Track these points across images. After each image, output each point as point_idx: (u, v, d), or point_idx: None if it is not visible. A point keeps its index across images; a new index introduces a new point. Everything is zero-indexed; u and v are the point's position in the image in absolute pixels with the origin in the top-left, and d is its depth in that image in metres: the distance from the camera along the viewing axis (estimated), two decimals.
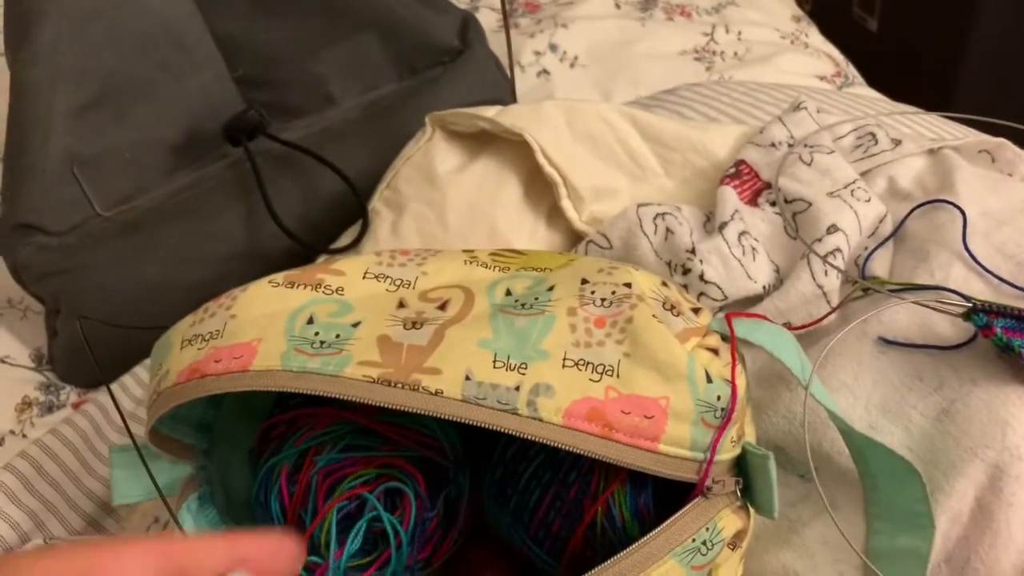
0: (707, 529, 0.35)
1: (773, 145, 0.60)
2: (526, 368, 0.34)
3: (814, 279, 0.51)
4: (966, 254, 0.49)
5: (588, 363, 0.35)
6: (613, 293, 0.37)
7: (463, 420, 0.33)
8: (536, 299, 0.37)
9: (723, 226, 0.53)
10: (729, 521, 0.36)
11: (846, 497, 0.46)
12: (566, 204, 0.58)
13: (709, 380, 0.36)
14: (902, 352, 0.47)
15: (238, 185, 0.66)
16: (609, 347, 0.35)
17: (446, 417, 0.33)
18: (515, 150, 0.59)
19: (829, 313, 0.50)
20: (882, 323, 0.48)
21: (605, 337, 0.36)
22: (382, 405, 0.34)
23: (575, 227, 0.58)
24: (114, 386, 0.62)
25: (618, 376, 0.35)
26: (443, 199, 0.57)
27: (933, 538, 0.42)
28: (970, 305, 0.44)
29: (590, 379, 0.34)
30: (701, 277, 0.51)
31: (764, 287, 0.52)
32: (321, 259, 0.62)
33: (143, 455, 0.39)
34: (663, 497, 0.38)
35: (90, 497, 0.57)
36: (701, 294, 0.51)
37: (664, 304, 0.38)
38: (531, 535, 0.39)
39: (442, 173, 0.58)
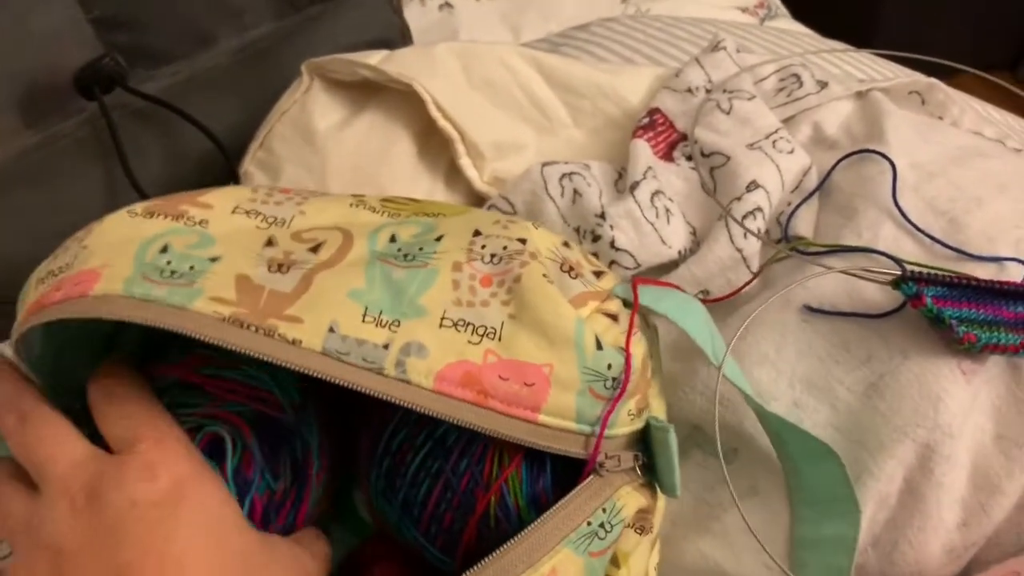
0: (603, 510, 0.32)
1: (690, 90, 0.55)
2: (399, 325, 0.31)
3: (732, 242, 0.46)
4: (896, 211, 0.46)
5: (468, 324, 0.32)
6: (504, 248, 0.34)
7: (321, 375, 0.30)
8: (421, 249, 0.34)
9: (635, 186, 0.48)
10: (630, 500, 0.33)
11: (770, 479, 0.44)
12: (465, 163, 0.52)
13: (599, 347, 0.32)
14: (828, 320, 0.44)
15: (94, 145, 0.58)
16: (494, 307, 0.33)
17: (303, 371, 0.30)
18: (405, 102, 0.53)
19: (749, 281, 0.46)
20: (807, 289, 0.45)
21: (490, 297, 0.33)
22: (229, 347, 0.30)
23: (476, 188, 0.53)
24: None
25: (500, 339, 0.32)
26: (323, 162, 0.51)
27: (859, 523, 0.40)
28: (898, 272, 0.40)
29: (469, 341, 0.31)
30: (612, 244, 0.47)
31: (680, 252, 0.48)
32: None
33: None
34: (564, 483, 0.34)
35: None
36: (612, 262, 0.47)
37: (562, 266, 0.35)
38: (422, 531, 0.36)
39: (322, 130, 0.52)
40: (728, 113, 0.52)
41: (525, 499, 0.34)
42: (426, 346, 0.31)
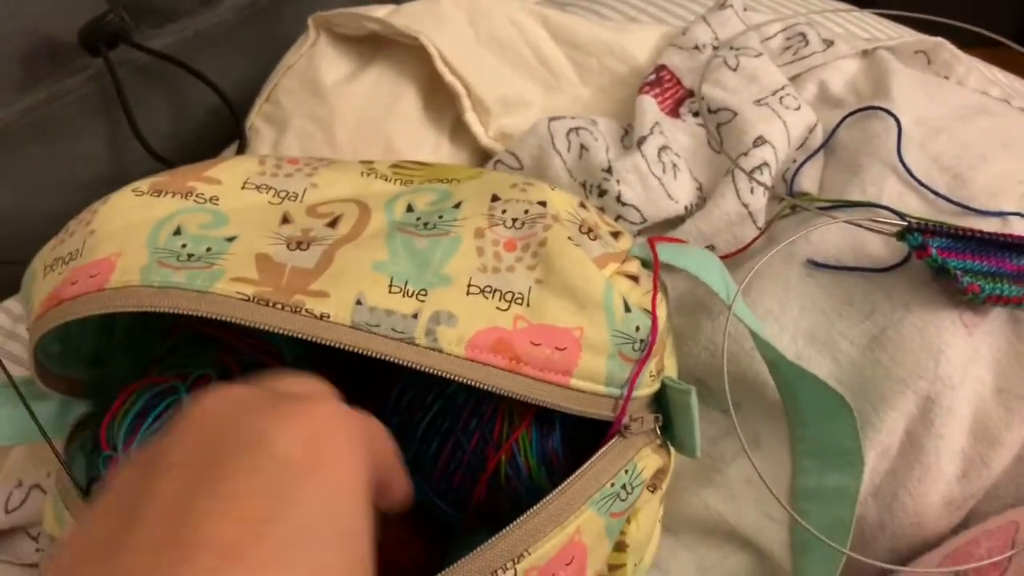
0: (626, 471, 0.32)
1: (696, 48, 0.55)
2: (426, 295, 0.31)
3: (739, 197, 0.47)
4: (900, 167, 0.46)
5: (495, 290, 0.31)
6: (526, 212, 0.34)
7: (353, 348, 0.29)
8: (440, 217, 0.34)
9: (642, 141, 0.48)
10: (649, 461, 0.33)
11: (771, 432, 0.44)
12: (471, 118, 0.52)
13: (627, 309, 0.32)
14: (832, 275, 0.44)
15: (99, 101, 0.58)
16: (519, 273, 0.32)
17: (334, 344, 0.29)
18: (412, 56, 0.53)
19: (756, 238, 0.46)
20: (811, 244, 0.45)
21: (515, 262, 0.32)
22: (257, 327, 0.29)
23: (482, 143, 0.53)
24: None
25: (528, 305, 0.31)
26: (330, 113, 0.51)
27: (862, 476, 0.40)
28: (904, 224, 0.41)
29: (497, 308, 0.31)
30: (618, 199, 0.47)
31: (686, 207, 0.48)
32: None
33: (21, 392, 0.34)
34: (573, 440, 0.34)
35: None
36: (618, 217, 0.47)
37: (581, 227, 0.34)
38: (433, 488, 0.36)
39: (329, 83, 0.52)
40: (735, 70, 0.52)
41: (535, 458, 0.34)
42: (455, 314, 0.30)
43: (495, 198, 0.35)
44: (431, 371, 0.30)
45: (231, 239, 0.32)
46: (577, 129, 0.49)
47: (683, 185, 0.48)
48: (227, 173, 0.36)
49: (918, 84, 0.52)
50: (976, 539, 0.40)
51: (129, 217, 0.33)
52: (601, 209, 0.47)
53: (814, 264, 0.44)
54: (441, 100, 0.53)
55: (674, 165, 0.48)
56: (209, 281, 0.30)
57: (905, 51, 0.57)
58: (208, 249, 0.32)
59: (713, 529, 0.44)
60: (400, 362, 0.30)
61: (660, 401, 0.35)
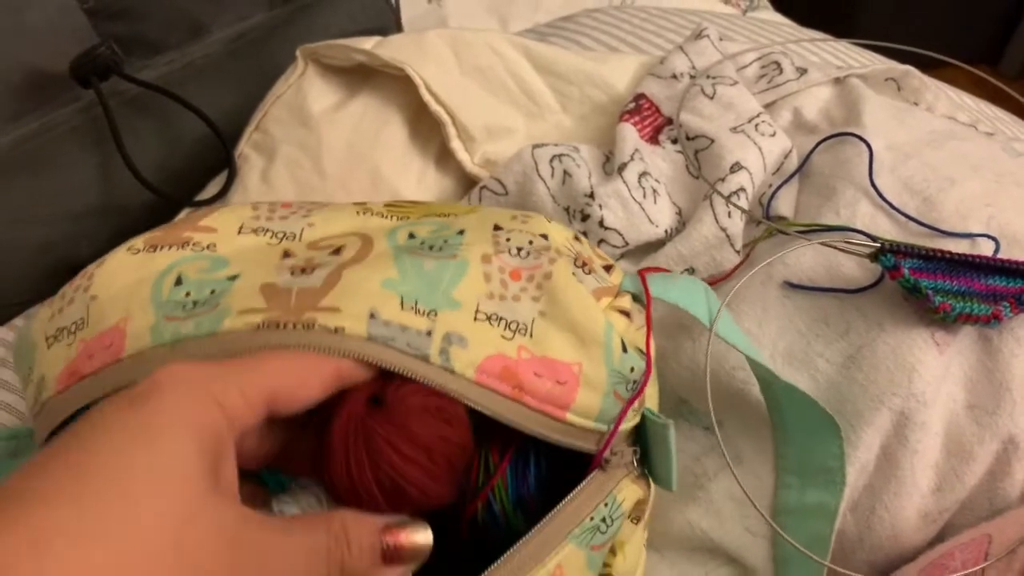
0: (605, 504, 0.32)
1: (674, 77, 0.56)
2: (436, 316, 0.30)
3: (717, 221, 0.48)
4: (872, 191, 0.47)
5: (501, 319, 0.31)
6: (531, 243, 0.34)
7: (371, 361, 0.29)
8: (446, 242, 0.34)
9: (623, 167, 0.49)
10: (629, 492, 0.34)
11: (753, 449, 0.45)
12: (456, 145, 0.53)
13: (624, 350, 0.33)
14: (808, 296, 0.45)
15: (90, 132, 0.59)
16: (524, 303, 0.32)
17: (351, 357, 0.29)
18: (398, 86, 0.54)
19: (739, 264, 0.47)
20: (787, 266, 0.46)
21: (520, 292, 0.32)
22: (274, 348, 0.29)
23: (467, 170, 0.54)
24: None
25: (531, 336, 0.31)
26: (318, 141, 0.52)
27: (843, 493, 0.41)
28: (877, 246, 0.42)
29: (502, 336, 0.31)
30: (601, 223, 0.48)
31: (666, 231, 0.49)
32: (184, 213, 0.56)
33: None
34: (547, 481, 0.35)
35: None
36: (601, 240, 0.48)
37: (576, 260, 0.35)
38: None
39: (316, 112, 0.53)
40: (712, 98, 0.54)
41: (511, 503, 0.34)
42: (465, 337, 0.30)
43: (497, 227, 0.35)
44: (443, 390, 0.29)
45: (233, 278, 0.32)
46: (560, 156, 0.50)
47: (663, 210, 0.50)
48: (221, 221, 0.36)
49: (889, 111, 0.53)
50: (951, 552, 0.41)
51: (128, 277, 0.33)
52: (584, 233, 0.48)
53: (791, 285, 0.46)
54: (427, 129, 0.54)
55: (654, 190, 0.50)
56: (216, 322, 0.30)
57: (876, 79, 0.59)
58: (212, 292, 0.31)
59: (697, 545, 0.45)
60: (416, 378, 0.29)
61: (639, 432, 0.36)
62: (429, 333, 0.30)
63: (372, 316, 0.30)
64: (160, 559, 0.21)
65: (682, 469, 0.46)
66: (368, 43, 0.54)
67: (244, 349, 0.29)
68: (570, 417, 0.31)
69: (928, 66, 0.59)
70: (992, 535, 0.40)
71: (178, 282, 0.32)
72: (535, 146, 0.51)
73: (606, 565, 0.35)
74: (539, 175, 0.50)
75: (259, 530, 0.24)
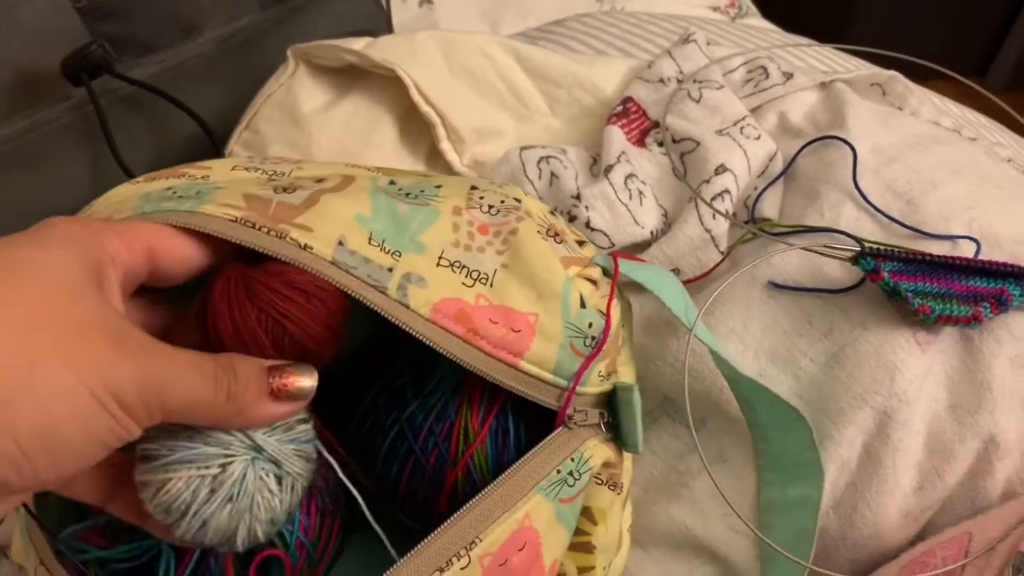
0: (572, 459, 0.33)
1: (662, 81, 0.57)
2: (400, 256, 0.32)
3: (702, 223, 0.48)
4: (856, 193, 0.48)
5: (464, 267, 0.33)
6: (502, 203, 0.36)
7: (331, 282, 0.31)
8: (423, 191, 0.35)
9: (609, 169, 0.50)
10: (597, 451, 0.35)
11: (736, 447, 0.45)
12: (445, 146, 0.54)
13: (583, 306, 0.34)
14: (792, 296, 0.46)
15: (81, 130, 0.59)
16: (489, 255, 0.34)
17: (315, 273, 0.31)
18: (388, 87, 0.54)
19: (719, 263, 0.48)
20: (772, 267, 0.47)
21: (486, 244, 0.34)
22: (241, 243, 0.31)
23: (456, 171, 0.54)
24: None
25: (491, 286, 0.33)
26: (308, 141, 0.52)
27: (823, 485, 0.41)
28: (858, 249, 0.42)
29: (463, 283, 0.33)
30: (587, 224, 0.48)
31: (652, 232, 0.50)
32: None
33: None
34: (526, 450, 0.35)
35: None
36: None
37: (549, 230, 0.36)
38: (398, 505, 0.37)
39: (307, 112, 0.53)
40: (698, 102, 0.54)
41: (491, 472, 0.35)
42: (425, 278, 0.32)
43: (474, 187, 0.37)
44: (396, 322, 0.31)
45: (219, 188, 0.34)
46: (547, 158, 0.51)
47: (649, 211, 0.50)
48: (216, 163, 0.38)
49: (873, 115, 0.54)
50: (932, 549, 0.41)
51: (124, 195, 0.35)
52: None
53: (775, 286, 0.46)
54: (416, 129, 0.55)
55: (640, 192, 0.50)
56: (196, 204, 0.32)
57: (861, 84, 0.59)
58: (197, 192, 0.33)
59: (681, 543, 0.45)
60: (372, 306, 0.31)
61: (612, 404, 0.37)
62: (391, 270, 0.32)
63: (340, 243, 0.31)
64: (50, 323, 0.24)
65: (666, 466, 0.47)
66: (359, 44, 0.55)
67: (218, 230, 0.31)
68: (524, 365, 0.32)
69: (917, 77, 0.60)
70: (973, 533, 0.41)
71: (168, 189, 0.34)
72: (523, 148, 0.51)
73: (586, 533, 0.36)
74: (527, 176, 0.50)
75: (145, 337, 0.26)
